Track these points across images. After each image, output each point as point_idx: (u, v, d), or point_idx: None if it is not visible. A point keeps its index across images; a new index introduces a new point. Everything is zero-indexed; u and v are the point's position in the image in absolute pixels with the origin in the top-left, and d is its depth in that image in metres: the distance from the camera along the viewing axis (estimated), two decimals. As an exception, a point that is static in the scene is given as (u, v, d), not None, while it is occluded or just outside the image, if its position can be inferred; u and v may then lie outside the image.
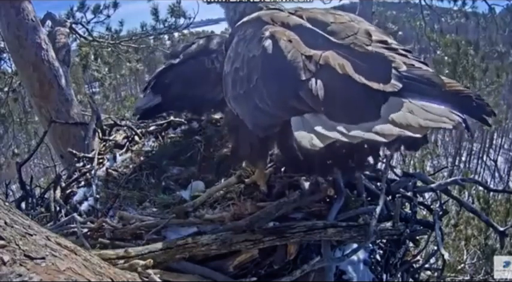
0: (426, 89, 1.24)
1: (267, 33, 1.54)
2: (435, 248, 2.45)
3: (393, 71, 1.25)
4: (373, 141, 1.14)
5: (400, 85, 1.22)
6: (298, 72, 1.34)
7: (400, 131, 1.12)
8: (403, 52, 1.39)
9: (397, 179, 2.30)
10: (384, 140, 1.12)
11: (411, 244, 2.30)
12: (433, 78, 1.26)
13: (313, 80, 1.31)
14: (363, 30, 1.45)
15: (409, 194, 2.21)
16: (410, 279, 2.34)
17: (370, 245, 2.10)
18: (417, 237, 2.21)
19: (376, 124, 1.15)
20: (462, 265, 4.29)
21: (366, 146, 1.42)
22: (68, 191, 2.48)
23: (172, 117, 3.02)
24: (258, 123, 1.57)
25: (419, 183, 2.31)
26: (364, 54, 1.34)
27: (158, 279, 1.60)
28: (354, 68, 1.27)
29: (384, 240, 2.19)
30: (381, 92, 1.21)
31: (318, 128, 1.20)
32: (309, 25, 1.53)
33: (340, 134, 1.16)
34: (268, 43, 1.50)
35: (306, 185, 2.00)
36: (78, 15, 5.67)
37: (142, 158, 2.60)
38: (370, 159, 1.59)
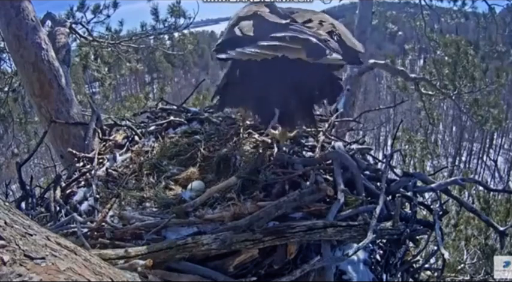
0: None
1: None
2: (435, 248, 2.44)
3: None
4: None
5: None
6: None
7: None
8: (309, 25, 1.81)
9: (397, 178, 2.30)
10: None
11: (411, 244, 2.29)
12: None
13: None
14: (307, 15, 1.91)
15: (409, 193, 2.20)
16: (410, 279, 2.34)
17: (370, 245, 2.10)
18: (417, 237, 2.20)
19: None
20: (462, 265, 4.29)
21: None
22: (68, 191, 2.47)
23: (172, 117, 3.01)
24: None
25: (419, 183, 2.31)
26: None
27: (158, 279, 1.60)
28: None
29: (384, 240, 2.19)
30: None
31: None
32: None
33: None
34: None
35: (306, 184, 2.01)
36: (78, 15, 5.68)
37: (142, 158, 2.60)
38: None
